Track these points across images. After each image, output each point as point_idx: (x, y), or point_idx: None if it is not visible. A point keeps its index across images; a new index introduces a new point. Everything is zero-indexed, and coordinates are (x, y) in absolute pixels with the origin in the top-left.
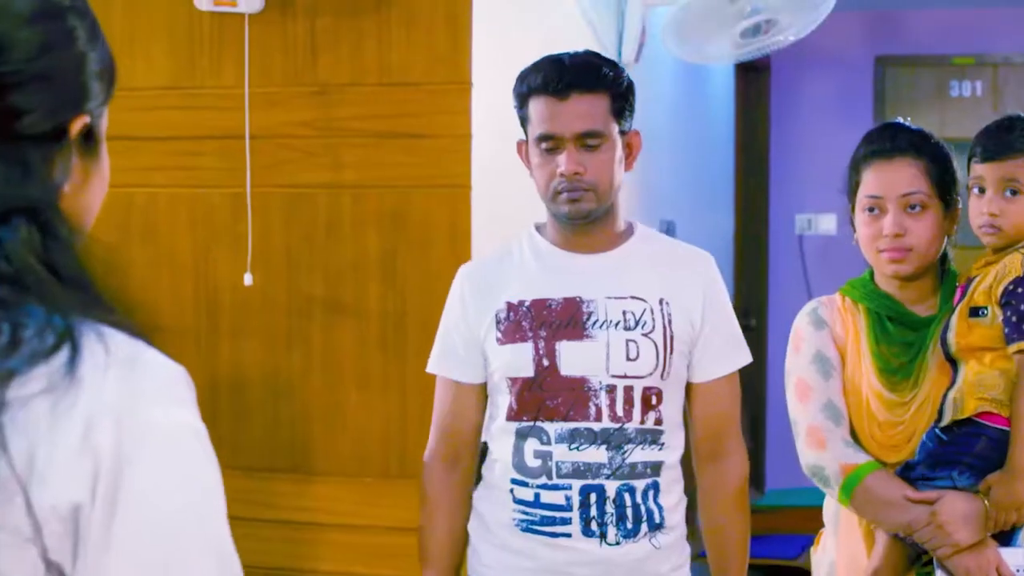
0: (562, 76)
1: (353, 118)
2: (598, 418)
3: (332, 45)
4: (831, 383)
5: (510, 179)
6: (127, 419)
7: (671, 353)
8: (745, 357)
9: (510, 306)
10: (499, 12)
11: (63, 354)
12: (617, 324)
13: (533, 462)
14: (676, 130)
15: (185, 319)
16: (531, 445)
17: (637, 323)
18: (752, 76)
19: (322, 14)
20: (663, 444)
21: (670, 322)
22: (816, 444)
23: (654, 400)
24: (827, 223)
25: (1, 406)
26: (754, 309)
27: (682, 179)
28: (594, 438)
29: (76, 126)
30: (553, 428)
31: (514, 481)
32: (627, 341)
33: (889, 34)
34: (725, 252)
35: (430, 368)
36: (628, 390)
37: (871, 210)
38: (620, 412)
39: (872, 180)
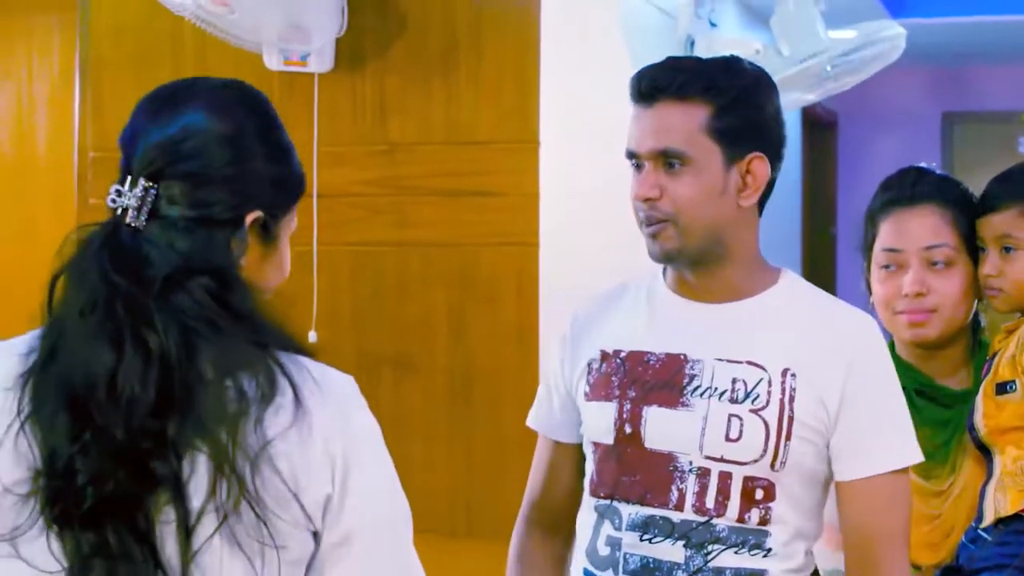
0: (653, 78)
1: (421, 176)
2: (679, 506)
3: (400, 104)
4: None
5: (578, 237)
6: (346, 429)
7: (787, 439)
8: (908, 455)
9: (604, 355)
10: (566, 70)
11: (288, 391)
12: (722, 394)
13: (604, 550)
14: None
15: None
16: (606, 529)
17: (747, 395)
18: (819, 132)
19: (391, 73)
20: (769, 551)
21: (792, 399)
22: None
23: (760, 494)
24: None
25: (267, 442)
26: None
27: None
28: (671, 530)
29: (249, 218)
30: (627, 511)
31: (586, 572)
32: (730, 416)
33: (956, 91)
34: None
35: (528, 421)
36: (724, 477)
37: (887, 266)
38: (710, 503)
39: (890, 231)
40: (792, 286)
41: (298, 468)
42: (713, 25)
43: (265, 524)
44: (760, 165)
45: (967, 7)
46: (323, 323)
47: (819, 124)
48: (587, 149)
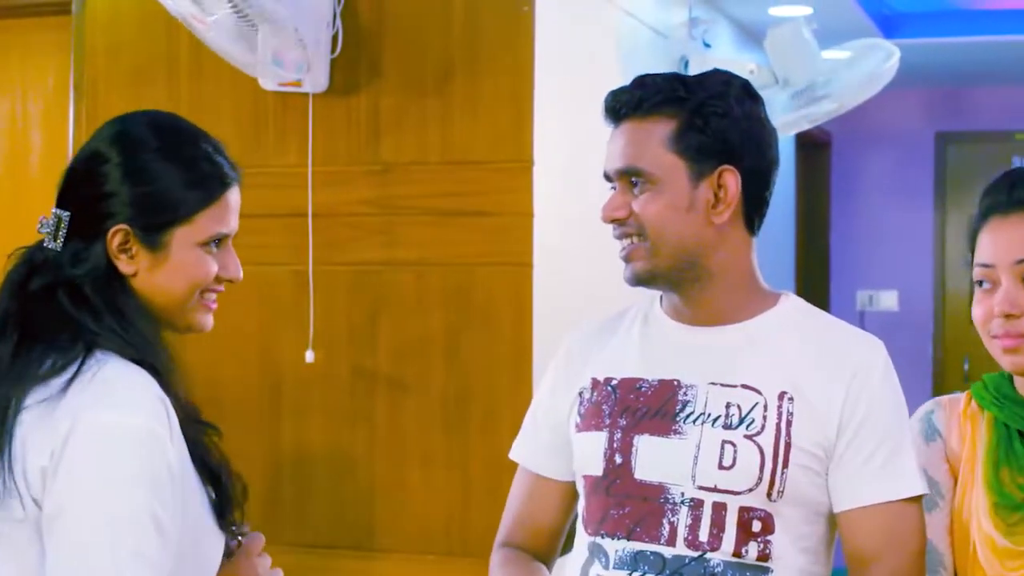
0: (617, 97)
1: (416, 196)
2: (671, 541)
3: (395, 124)
4: (934, 517)
5: (573, 257)
6: (83, 416)
7: (784, 466)
8: (908, 485)
9: (595, 384)
10: (561, 91)
11: (66, 376)
12: (716, 420)
13: None
14: None
15: (249, 395)
16: (594, 569)
17: (742, 421)
18: (813, 152)
19: (385, 94)
20: None
21: (789, 424)
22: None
23: (757, 526)
24: (888, 300)
25: (19, 408)
26: None
27: None
28: (661, 567)
29: (111, 233)
30: (614, 548)
31: None
32: (723, 443)
33: (950, 111)
34: None
35: (511, 453)
36: (719, 508)
37: (981, 283)
38: (703, 536)
39: (983, 244)
40: (793, 309)
41: (29, 437)
42: (707, 46)
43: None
44: (731, 179)
45: (960, 28)
46: (319, 343)
47: (812, 144)
48: (581, 170)
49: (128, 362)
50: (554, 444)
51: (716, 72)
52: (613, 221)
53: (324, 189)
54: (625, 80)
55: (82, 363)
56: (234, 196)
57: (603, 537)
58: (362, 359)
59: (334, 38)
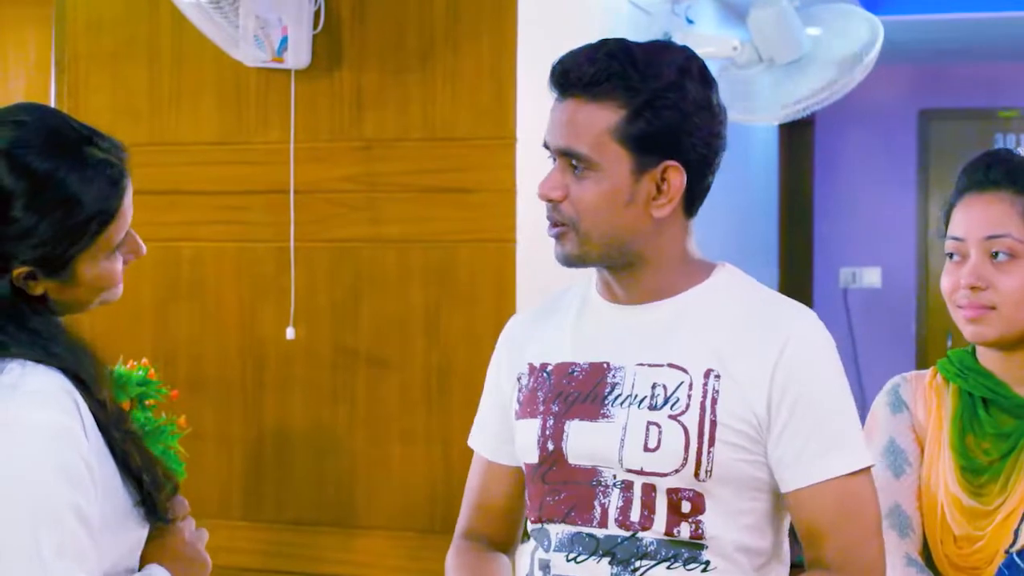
0: (566, 68)
1: (398, 173)
2: (602, 523)
3: (377, 101)
4: (903, 482)
5: None
6: None
7: (711, 444)
8: (853, 459)
9: (532, 370)
10: (543, 67)
11: None
12: (642, 401)
13: (536, 574)
14: (718, 183)
15: (231, 372)
16: (538, 553)
17: (666, 401)
18: (796, 130)
19: (368, 70)
20: (707, 565)
21: (714, 402)
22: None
23: (687, 507)
24: (871, 276)
25: None
26: None
27: (725, 233)
28: (595, 547)
29: (16, 273)
30: (554, 531)
31: None
32: (648, 424)
33: (933, 88)
34: None
35: (469, 440)
36: (648, 490)
37: (952, 256)
38: (634, 517)
39: (958, 219)
40: (724, 281)
41: None
42: (690, 22)
43: None
44: (675, 175)
45: (943, 4)
46: (300, 319)
47: (795, 122)
48: None
49: (39, 365)
50: (502, 430)
51: (671, 50)
52: (548, 200)
53: (306, 166)
54: None
55: None
56: (128, 196)
57: (545, 523)
58: (344, 336)
59: (316, 15)
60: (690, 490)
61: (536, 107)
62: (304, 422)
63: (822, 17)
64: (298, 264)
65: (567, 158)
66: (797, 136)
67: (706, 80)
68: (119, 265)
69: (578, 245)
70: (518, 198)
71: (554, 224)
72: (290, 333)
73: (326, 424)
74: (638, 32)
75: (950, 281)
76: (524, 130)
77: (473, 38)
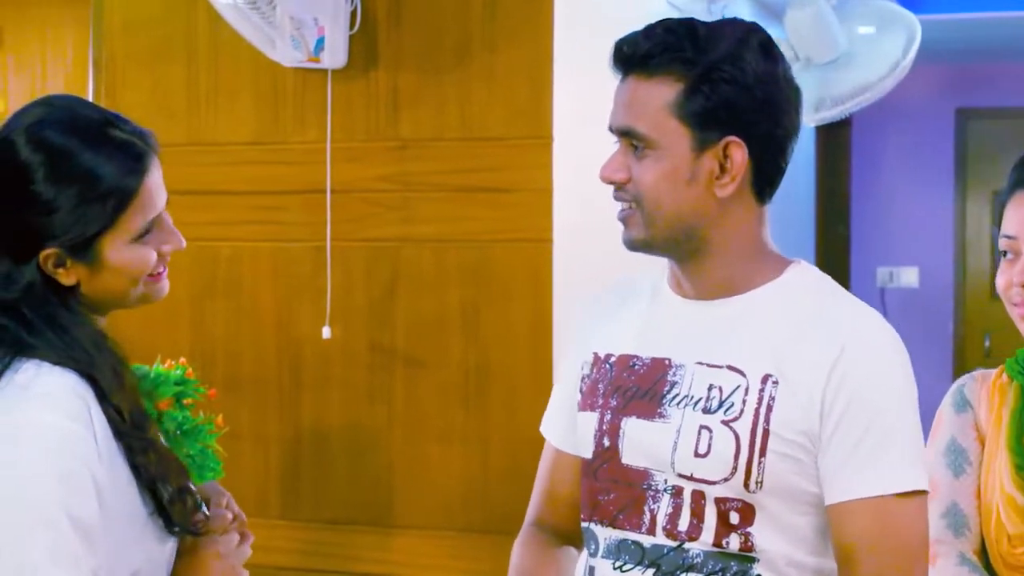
0: (622, 47)
1: (434, 172)
2: (650, 530)
3: (414, 101)
4: (962, 481)
5: (591, 233)
6: None
7: (762, 454)
8: (900, 479)
9: (596, 360)
10: (579, 66)
11: None
12: (697, 403)
13: None
14: None
15: (267, 371)
16: (585, 556)
17: (721, 405)
18: (833, 129)
19: (404, 70)
20: None
21: (769, 410)
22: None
23: (735, 518)
24: (909, 276)
25: None
26: None
27: None
28: (641, 556)
29: (44, 255)
30: (603, 535)
31: None
32: (700, 428)
33: (970, 87)
34: None
35: (541, 425)
36: (698, 497)
37: (1005, 254)
38: (682, 526)
39: (1010, 216)
40: (796, 279)
41: None
42: None
43: None
44: (738, 151)
45: (980, 3)
46: (337, 319)
47: (832, 122)
48: (600, 145)
49: (55, 367)
50: (569, 418)
51: (733, 25)
52: (611, 183)
53: (342, 166)
54: None
55: (5, 370)
56: (153, 177)
57: (594, 523)
58: (380, 335)
59: (352, 15)
60: (739, 500)
61: (572, 106)
62: (341, 421)
63: (860, 16)
64: (334, 263)
65: (628, 138)
66: (834, 136)
67: (769, 53)
68: (151, 254)
69: (643, 228)
70: (554, 197)
71: (620, 200)
72: (326, 332)
73: (363, 423)
74: None
75: (1004, 279)
76: (560, 129)
77: (509, 38)
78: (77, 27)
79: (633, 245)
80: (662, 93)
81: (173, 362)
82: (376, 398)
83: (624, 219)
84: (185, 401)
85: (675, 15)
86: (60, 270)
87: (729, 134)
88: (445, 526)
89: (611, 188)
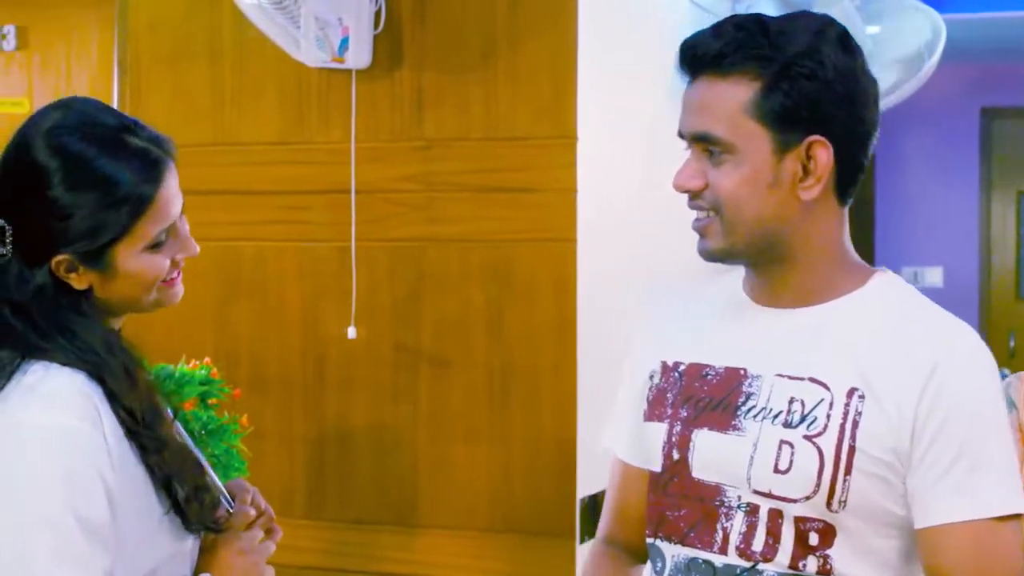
0: (692, 47)
1: (458, 172)
2: (723, 549)
3: (438, 100)
4: None
5: (616, 233)
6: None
7: (847, 472)
8: (997, 503)
9: (664, 368)
10: (604, 66)
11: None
12: (776, 416)
13: None
14: None
15: (292, 372)
16: (648, 573)
17: (803, 419)
18: None
19: (428, 70)
20: None
21: (855, 426)
22: None
23: (814, 539)
24: (933, 276)
25: None
26: None
27: None
28: None
29: (55, 261)
30: (670, 553)
31: None
32: (780, 442)
33: (995, 86)
34: None
35: (606, 437)
36: (775, 516)
37: None
38: (757, 546)
39: None
40: (881, 289)
41: None
42: None
43: None
44: (822, 151)
45: (1005, 2)
46: (361, 319)
47: None
48: (624, 145)
49: (64, 368)
50: (634, 429)
51: (807, 18)
52: (686, 191)
53: (366, 166)
54: (668, 57)
55: (14, 372)
56: (169, 185)
57: (660, 540)
58: (405, 335)
59: (376, 15)
60: (820, 520)
61: (597, 106)
62: (366, 421)
63: (884, 15)
64: (359, 263)
65: (703, 144)
66: None
67: (848, 46)
68: (164, 262)
69: (723, 237)
70: (579, 197)
71: (696, 208)
72: (352, 332)
73: (388, 423)
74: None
75: None
76: (585, 129)
77: (534, 37)
78: (102, 29)
79: (711, 255)
80: (738, 93)
81: (198, 362)
82: (400, 398)
83: (701, 229)
84: (210, 401)
85: (700, 15)
86: (72, 275)
87: (811, 133)
88: (469, 526)
89: (635, 186)
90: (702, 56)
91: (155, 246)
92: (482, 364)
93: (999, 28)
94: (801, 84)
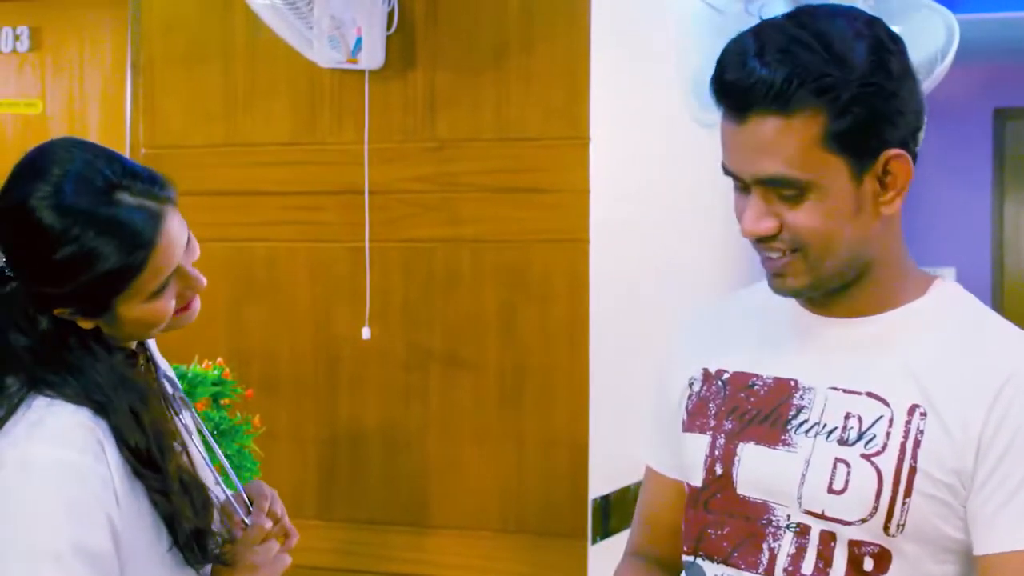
0: (740, 85)
1: (471, 173)
2: (768, 571)
3: (451, 101)
4: None
5: (629, 233)
6: (1, 453)
7: (907, 495)
8: None
9: (706, 376)
10: (616, 66)
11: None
12: (831, 432)
13: None
14: None
15: (305, 372)
16: None
17: (860, 436)
18: None
19: (441, 70)
20: None
21: (916, 445)
22: None
23: (869, 564)
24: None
25: None
26: None
27: None
28: None
29: (57, 311)
30: (712, 572)
31: None
32: (836, 461)
33: (1008, 86)
34: None
35: (639, 447)
36: (827, 539)
37: None
38: (807, 569)
39: None
40: (943, 300)
41: None
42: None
43: None
44: (900, 164)
45: (1019, 2)
46: (375, 319)
47: None
48: (637, 145)
49: (67, 404)
50: (670, 439)
51: (850, 21)
52: (759, 237)
53: (380, 166)
54: (681, 56)
55: (19, 404)
56: (166, 236)
57: (701, 558)
58: (418, 336)
59: (389, 15)
60: (876, 544)
61: (609, 107)
62: (378, 422)
63: (897, 16)
64: (372, 264)
65: (775, 187)
66: None
67: (897, 42)
68: (168, 305)
69: (807, 275)
70: (591, 198)
71: (775, 259)
72: (366, 333)
73: (400, 424)
74: (711, 31)
75: None
76: (597, 129)
77: (547, 38)
78: (115, 30)
79: (796, 293)
80: (807, 129)
81: (210, 362)
82: (413, 399)
83: (780, 268)
84: (222, 401)
85: (712, 15)
86: (78, 318)
87: (886, 147)
88: (481, 526)
89: (648, 187)
90: (756, 93)
91: (158, 292)
92: (495, 364)
93: (1013, 28)
94: (873, 104)
